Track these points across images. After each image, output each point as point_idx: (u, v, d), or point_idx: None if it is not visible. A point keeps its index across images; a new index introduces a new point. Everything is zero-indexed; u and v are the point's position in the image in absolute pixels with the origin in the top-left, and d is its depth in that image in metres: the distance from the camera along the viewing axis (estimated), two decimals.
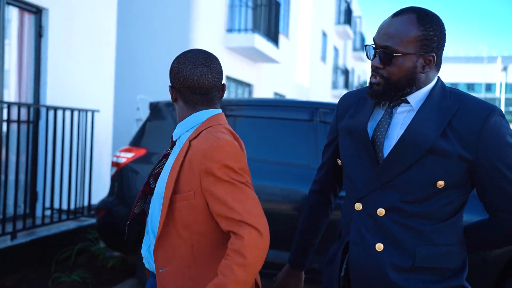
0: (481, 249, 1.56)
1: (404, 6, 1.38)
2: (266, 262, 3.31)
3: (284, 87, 14.77)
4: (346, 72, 24.95)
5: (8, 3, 4.56)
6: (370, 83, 1.48)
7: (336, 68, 23.64)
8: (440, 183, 1.38)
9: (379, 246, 1.42)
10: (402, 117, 1.46)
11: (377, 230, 1.43)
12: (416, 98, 1.45)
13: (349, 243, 1.49)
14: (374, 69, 1.45)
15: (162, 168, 1.59)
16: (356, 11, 28.40)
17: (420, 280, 1.41)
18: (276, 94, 14.22)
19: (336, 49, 23.79)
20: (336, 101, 22.80)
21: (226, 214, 1.39)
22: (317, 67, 19.18)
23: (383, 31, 1.42)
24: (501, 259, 3.02)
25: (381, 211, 1.43)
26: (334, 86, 23.32)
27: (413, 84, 1.43)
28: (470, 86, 55.08)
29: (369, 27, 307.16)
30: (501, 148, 1.37)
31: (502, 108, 27.15)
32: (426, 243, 1.41)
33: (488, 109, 1.38)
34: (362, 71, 35.69)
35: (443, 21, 1.42)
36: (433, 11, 1.44)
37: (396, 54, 1.39)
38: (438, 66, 1.46)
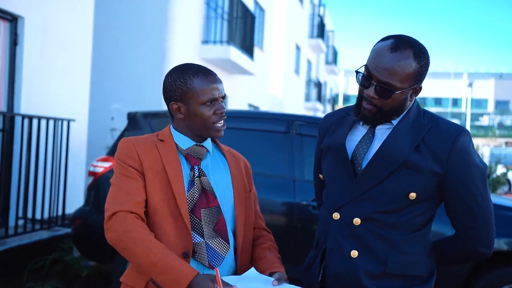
0: (446, 264, 1.67)
1: (391, 33, 1.42)
2: None
3: (258, 99, 14.91)
4: (319, 85, 25.30)
5: None
6: (359, 107, 1.54)
7: (309, 80, 23.96)
8: (412, 195, 1.49)
9: (354, 253, 1.51)
10: (380, 133, 1.56)
11: (353, 238, 1.52)
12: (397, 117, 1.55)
13: (326, 250, 1.57)
14: (368, 98, 1.50)
15: (202, 183, 1.58)
16: (329, 25, 28.92)
17: (390, 286, 1.50)
18: (250, 105, 14.34)
19: (309, 62, 24.14)
20: (309, 113, 23.07)
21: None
22: (290, 80, 19.42)
23: (383, 66, 1.45)
24: (465, 266, 3.16)
25: (357, 221, 1.52)
26: (307, 98, 23.62)
27: (401, 112, 1.54)
28: (438, 100, 56.52)
29: (341, 41, 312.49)
30: (468, 166, 1.49)
31: (468, 122, 27.96)
32: (397, 252, 1.51)
33: (458, 129, 1.51)
34: (335, 84, 36.22)
35: (412, 36, 1.53)
36: (420, 42, 1.52)
37: (397, 92, 1.46)
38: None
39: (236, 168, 1.70)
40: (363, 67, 1.54)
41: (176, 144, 1.61)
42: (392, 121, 1.55)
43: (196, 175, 1.58)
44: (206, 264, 1.54)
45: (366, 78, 1.50)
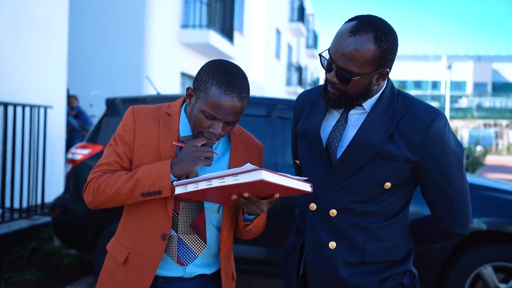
0: (423, 243, 1.67)
1: (357, 14, 1.35)
2: (242, 258, 3.36)
3: None
4: (299, 69, 25.28)
5: None
6: (326, 90, 1.51)
7: (290, 65, 23.91)
8: (387, 185, 1.47)
9: (332, 244, 1.50)
10: (354, 119, 1.52)
11: (330, 229, 1.51)
12: (369, 102, 1.51)
13: (305, 242, 1.55)
14: (331, 82, 1.47)
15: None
16: (309, 8, 28.79)
17: (366, 272, 1.50)
18: None
19: (289, 46, 24.05)
20: (290, 97, 23.05)
21: None
22: (271, 64, 19.35)
23: (341, 51, 1.40)
24: (446, 246, 3.21)
25: (333, 212, 1.50)
26: (288, 82, 23.59)
27: (368, 96, 1.49)
28: (417, 83, 56.99)
29: (322, 25, 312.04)
30: (443, 152, 1.45)
31: (447, 104, 28.28)
32: (375, 240, 1.50)
33: (433, 114, 1.45)
34: (315, 68, 36.25)
35: (393, 20, 1.45)
36: (387, 23, 1.45)
37: (355, 78, 1.41)
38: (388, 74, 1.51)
39: (238, 160, 1.56)
40: (327, 50, 1.48)
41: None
42: (364, 106, 1.50)
43: None
44: (175, 258, 1.50)
45: (329, 62, 1.46)
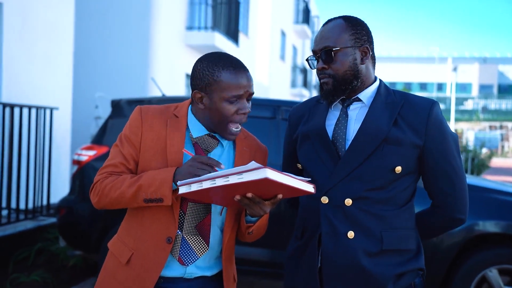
0: (425, 236, 1.71)
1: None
2: (243, 260, 3.36)
3: None
4: (304, 71, 25.27)
5: None
6: (320, 85, 1.62)
7: (295, 67, 23.90)
8: (398, 169, 1.53)
9: (351, 234, 1.53)
10: (355, 113, 1.61)
11: (346, 219, 1.54)
12: (367, 95, 1.62)
13: (322, 235, 1.56)
14: (320, 71, 1.60)
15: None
16: (314, 10, 28.78)
17: (386, 263, 1.53)
18: None
19: (295, 48, 24.06)
20: (295, 99, 23.02)
21: None
22: (276, 66, 19.35)
23: (318, 37, 1.61)
24: (452, 248, 3.20)
25: (348, 201, 1.54)
26: (293, 84, 23.58)
27: (358, 77, 1.59)
28: (423, 85, 56.83)
29: None
30: (444, 135, 1.58)
31: (453, 106, 28.14)
32: (390, 228, 1.55)
33: (430, 101, 1.59)
34: None
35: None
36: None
37: (335, 49, 1.55)
38: (374, 61, 1.65)
39: (243, 164, 1.55)
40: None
41: (187, 126, 1.55)
42: (363, 99, 1.60)
43: None
44: (176, 257, 1.51)
45: (314, 55, 1.63)
